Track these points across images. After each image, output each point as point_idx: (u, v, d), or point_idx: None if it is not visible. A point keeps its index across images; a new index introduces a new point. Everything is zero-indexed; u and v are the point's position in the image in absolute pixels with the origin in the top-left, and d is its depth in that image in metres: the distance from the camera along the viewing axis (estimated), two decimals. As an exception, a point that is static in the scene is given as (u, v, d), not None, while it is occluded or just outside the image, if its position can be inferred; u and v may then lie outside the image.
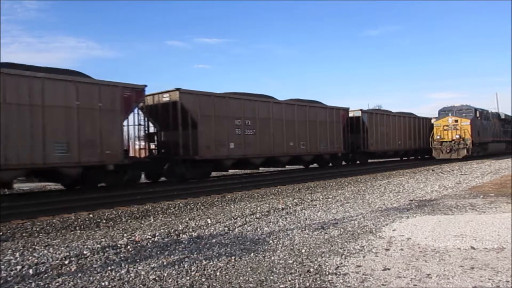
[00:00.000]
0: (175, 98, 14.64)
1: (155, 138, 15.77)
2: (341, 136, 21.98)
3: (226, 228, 6.75)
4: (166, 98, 14.94)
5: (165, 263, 4.76)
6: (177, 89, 14.54)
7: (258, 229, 6.61)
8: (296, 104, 19.50)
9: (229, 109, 16.03)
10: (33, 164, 10.65)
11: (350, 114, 23.59)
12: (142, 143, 15.01)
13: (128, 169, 13.08)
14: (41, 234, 6.91)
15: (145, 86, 13.44)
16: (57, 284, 4.13)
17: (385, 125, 26.27)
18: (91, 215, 8.63)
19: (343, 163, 23.83)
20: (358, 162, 25.03)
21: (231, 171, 18.59)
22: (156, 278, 4.24)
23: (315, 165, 21.84)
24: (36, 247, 5.78)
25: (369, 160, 25.97)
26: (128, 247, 5.60)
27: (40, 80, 10.66)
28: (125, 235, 6.51)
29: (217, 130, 15.48)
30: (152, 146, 15.50)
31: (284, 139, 18.39)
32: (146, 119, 15.35)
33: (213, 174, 16.80)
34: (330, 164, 22.31)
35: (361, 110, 24.54)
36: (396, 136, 27.58)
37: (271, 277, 4.18)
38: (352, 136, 23.57)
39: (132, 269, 4.56)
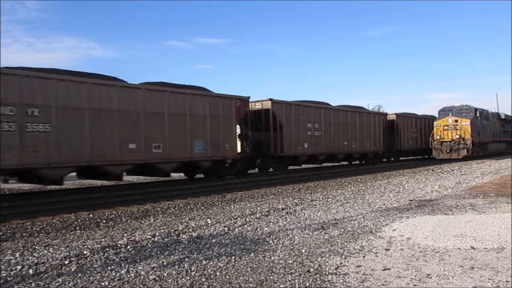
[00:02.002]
0: (392, 118, 27.52)
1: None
2: None
3: (226, 228, 6.75)
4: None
5: (165, 263, 4.76)
6: (394, 113, 28.11)
7: (258, 229, 6.61)
8: (428, 118, 31.94)
9: (408, 124, 29.38)
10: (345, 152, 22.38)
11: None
12: None
13: None
14: (41, 234, 6.91)
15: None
16: (57, 284, 4.13)
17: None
18: (91, 215, 8.63)
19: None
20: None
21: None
22: (156, 278, 4.24)
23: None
24: (36, 247, 5.78)
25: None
26: (128, 247, 5.60)
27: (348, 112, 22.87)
28: (125, 235, 6.50)
29: (406, 135, 28.53)
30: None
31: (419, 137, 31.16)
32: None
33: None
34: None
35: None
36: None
37: (271, 277, 4.18)
38: None
39: (132, 269, 4.56)
